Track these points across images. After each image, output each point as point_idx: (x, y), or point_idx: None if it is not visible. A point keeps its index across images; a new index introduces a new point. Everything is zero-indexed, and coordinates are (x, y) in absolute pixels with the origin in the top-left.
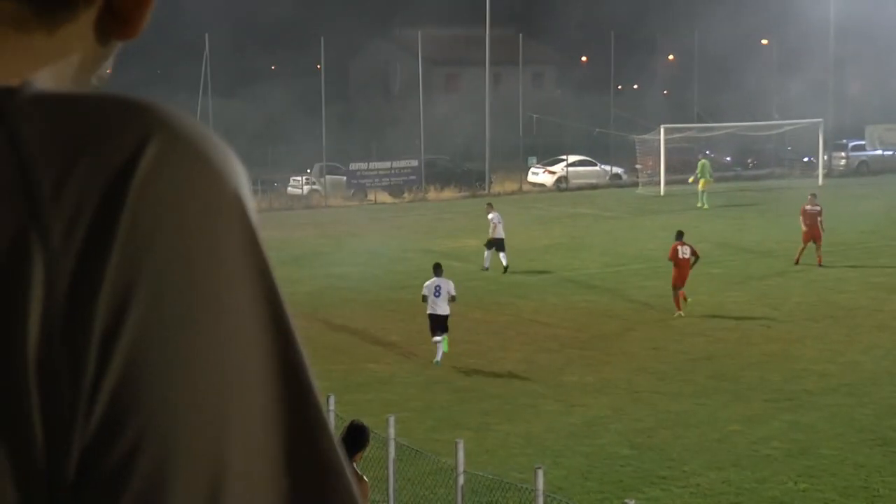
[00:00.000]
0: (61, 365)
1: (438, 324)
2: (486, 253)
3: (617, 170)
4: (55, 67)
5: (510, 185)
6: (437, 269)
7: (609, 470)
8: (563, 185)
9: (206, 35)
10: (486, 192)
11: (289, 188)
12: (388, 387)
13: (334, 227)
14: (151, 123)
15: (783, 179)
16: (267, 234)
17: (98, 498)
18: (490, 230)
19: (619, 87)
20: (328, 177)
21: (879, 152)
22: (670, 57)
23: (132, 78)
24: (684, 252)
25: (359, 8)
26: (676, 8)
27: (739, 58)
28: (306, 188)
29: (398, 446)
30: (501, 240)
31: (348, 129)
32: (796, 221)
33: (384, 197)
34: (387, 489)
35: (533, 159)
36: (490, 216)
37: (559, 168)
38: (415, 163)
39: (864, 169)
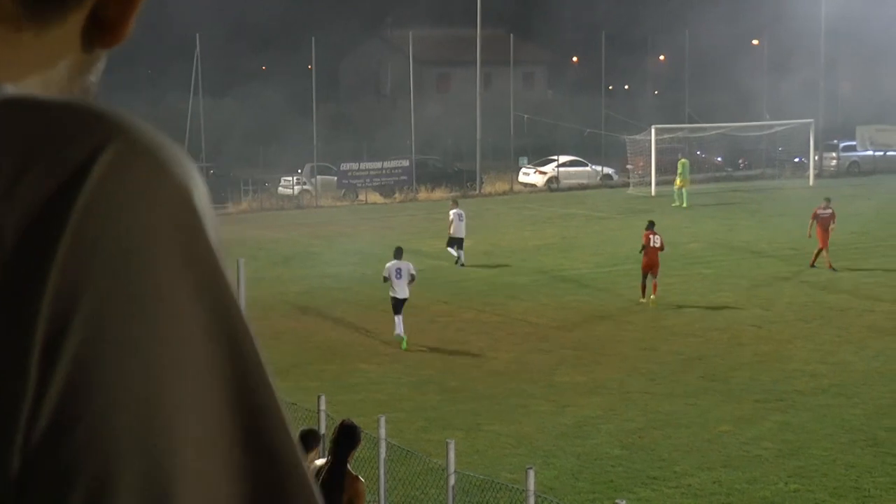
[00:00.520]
0: (4, 364)
1: (399, 306)
2: (449, 250)
3: (608, 170)
4: (42, 70)
5: (501, 186)
6: (398, 253)
7: (600, 470)
8: (554, 186)
9: (197, 35)
10: (478, 192)
11: (279, 188)
12: (380, 387)
13: (325, 228)
14: (109, 130)
15: (774, 180)
16: (258, 234)
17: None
18: (450, 227)
19: (610, 87)
20: (319, 177)
21: (870, 153)
22: (661, 57)
23: (123, 78)
24: (655, 241)
25: (350, 8)
26: (667, 8)
27: (730, 58)
28: (297, 188)
29: (389, 446)
30: (461, 239)
31: (339, 130)
32: (787, 222)
33: (375, 197)
34: (378, 489)
35: (524, 160)
36: (451, 212)
37: (550, 168)
38: (406, 163)
39: (855, 169)
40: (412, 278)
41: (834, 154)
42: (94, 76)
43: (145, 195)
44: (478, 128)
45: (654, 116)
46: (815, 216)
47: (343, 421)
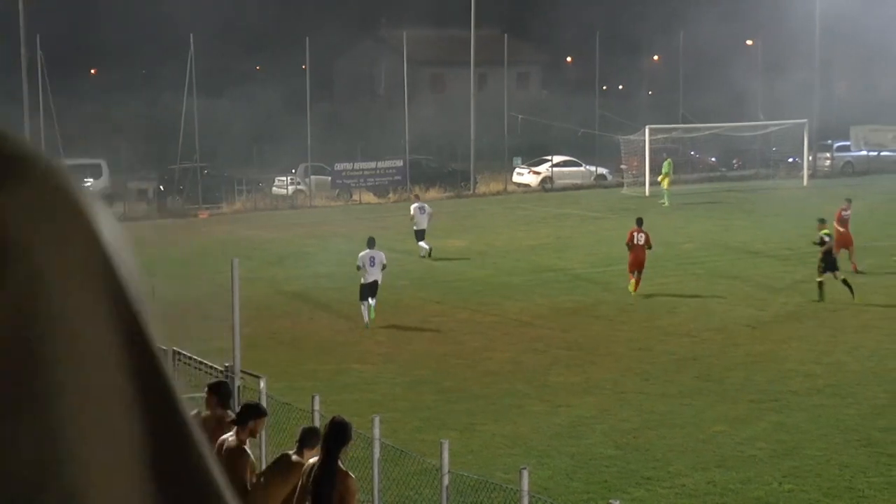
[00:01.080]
0: None
1: (371, 290)
2: (421, 244)
3: (602, 170)
4: None
5: (495, 186)
6: (371, 242)
7: (594, 470)
8: (549, 186)
9: (191, 35)
10: (472, 192)
11: (273, 188)
12: (374, 387)
13: (319, 228)
14: (4, 164)
15: (768, 180)
16: (252, 235)
17: None
18: (412, 221)
19: (605, 87)
20: (313, 177)
21: (864, 153)
22: (656, 58)
23: (118, 78)
24: (639, 238)
25: (344, 8)
26: (662, 9)
27: (725, 58)
28: (291, 188)
29: (383, 446)
30: (422, 231)
31: (333, 130)
32: (781, 222)
33: (369, 197)
34: (372, 489)
35: (518, 160)
36: (412, 206)
37: (544, 168)
38: (400, 163)
39: (849, 169)
40: (384, 266)
41: (828, 154)
42: None
43: (49, 230)
44: (472, 128)
45: (649, 117)
46: (840, 219)
47: (334, 417)
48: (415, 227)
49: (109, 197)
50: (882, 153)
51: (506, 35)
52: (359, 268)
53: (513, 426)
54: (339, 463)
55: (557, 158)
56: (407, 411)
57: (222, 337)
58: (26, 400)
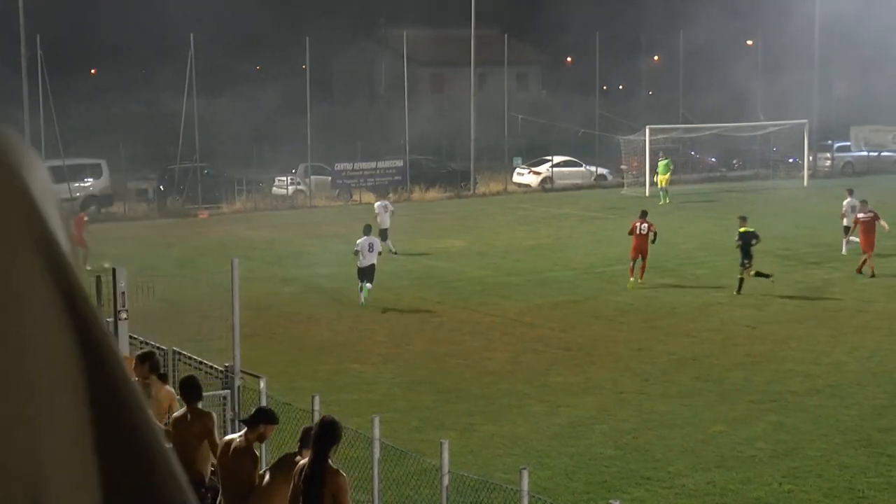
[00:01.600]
0: None
1: (368, 273)
2: (387, 243)
3: (602, 170)
4: None
5: (495, 186)
6: (368, 229)
7: (594, 470)
8: (548, 186)
9: (191, 35)
10: (472, 192)
11: (274, 188)
12: (373, 387)
13: (319, 228)
14: None
15: (768, 180)
16: (252, 235)
17: None
18: (376, 219)
19: (605, 87)
20: (313, 177)
21: (864, 153)
22: (655, 58)
23: (117, 79)
24: (641, 229)
25: (344, 8)
26: (662, 9)
27: (725, 58)
28: (291, 188)
29: (383, 447)
30: (385, 230)
31: (333, 130)
32: (781, 222)
33: (369, 197)
34: (372, 489)
35: (518, 160)
36: (376, 205)
37: (544, 169)
38: (400, 163)
39: (849, 170)
40: (379, 253)
41: (828, 154)
42: None
43: None
44: (472, 128)
45: (649, 117)
46: (858, 221)
47: (324, 417)
48: (380, 226)
49: (109, 197)
50: (882, 154)
51: (506, 35)
52: (356, 252)
53: (512, 426)
54: (330, 462)
55: (557, 158)
56: (406, 411)
57: (222, 337)
58: None
